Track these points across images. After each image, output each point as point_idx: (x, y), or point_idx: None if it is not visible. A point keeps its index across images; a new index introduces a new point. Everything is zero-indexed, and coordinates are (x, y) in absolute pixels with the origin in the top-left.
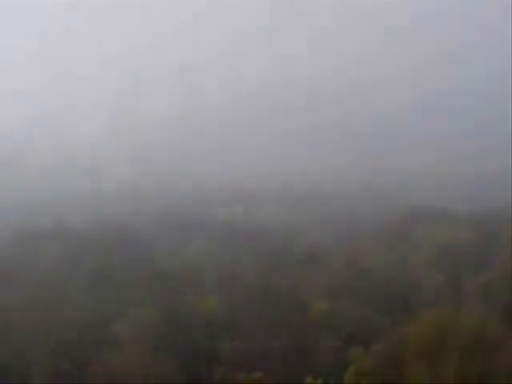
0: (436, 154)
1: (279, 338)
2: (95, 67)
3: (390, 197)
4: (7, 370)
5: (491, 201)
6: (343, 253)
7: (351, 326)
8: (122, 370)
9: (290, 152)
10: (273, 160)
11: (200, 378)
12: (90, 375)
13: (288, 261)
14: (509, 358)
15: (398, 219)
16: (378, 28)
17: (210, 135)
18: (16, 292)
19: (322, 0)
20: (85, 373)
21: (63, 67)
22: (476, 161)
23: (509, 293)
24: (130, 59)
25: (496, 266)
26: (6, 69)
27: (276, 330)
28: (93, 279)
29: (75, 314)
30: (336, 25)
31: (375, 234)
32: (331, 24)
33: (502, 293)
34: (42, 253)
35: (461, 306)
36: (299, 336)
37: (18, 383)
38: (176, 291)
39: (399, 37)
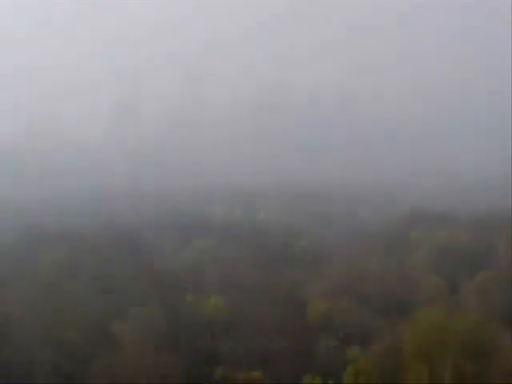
0: (436, 156)
1: (279, 337)
2: (94, 64)
3: (390, 198)
4: (9, 370)
5: (490, 202)
6: (343, 253)
7: (350, 326)
8: (123, 369)
9: (290, 152)
10: (273, 160)
11: (200, 377)
12: (90, 375)
13: (288, 261)
14: (506, 358)
15: (397, 220)
16: (378, 28)
17: (210, 135)
18: (17, 292)
19: (326, 4)
20: (85, 372)
21: (63, 63)
22: (475, 162)
23: (506, 294)
24: (129, 55)
25: (494, 268)
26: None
27: (275, 329)
28: (93, 279)
29: (76, 313)
30: (337, 25)
31: (375, 235)
32: (333, 25)
33: (500, 294)
34: (42, 253)
35: (459, 306)
36: (298, 336)
37: (20, 383)
38: (176, 291)
39: (400, 37)
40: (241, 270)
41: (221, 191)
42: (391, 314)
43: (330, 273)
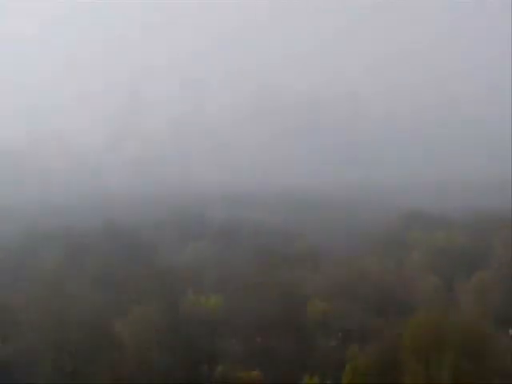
0: (434, 159)
1: (278, 337)
2: (95, 71)
3: (389, 200)
4: (10, 369)
5: (490, 203)
6: (342, 254)
7: (349, 325)
8: (123, 368)
9: (290, 153)
10: (273, 161)
11: (200, 376)
12: (91, 374)
13: (287, 261)
14: (503, 358)
15: (396, 222)
16: (378, 28)
17: (210, 136)
18: (18, 293)
19: (328, 4)
20: (86, 371)
21: (66, 69)
22: (475, 162)
23: (503, 294)
24: (130, 61)
25: (492, 268)
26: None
27: (275, 329)
28: (94, 279)
29: (76, 313)
30: (337, 26)
31: (373, 236)
32: (333, 25)
33: (497, 294)
34: (43, 253)
35: (456, 307)
36: (298, 335)
37: (21, 382)
38: (176, 291)
39: (399, 37)
40: (240, 270)
41: (220, 191)
42: (390, 314)
43: (328, 273)
